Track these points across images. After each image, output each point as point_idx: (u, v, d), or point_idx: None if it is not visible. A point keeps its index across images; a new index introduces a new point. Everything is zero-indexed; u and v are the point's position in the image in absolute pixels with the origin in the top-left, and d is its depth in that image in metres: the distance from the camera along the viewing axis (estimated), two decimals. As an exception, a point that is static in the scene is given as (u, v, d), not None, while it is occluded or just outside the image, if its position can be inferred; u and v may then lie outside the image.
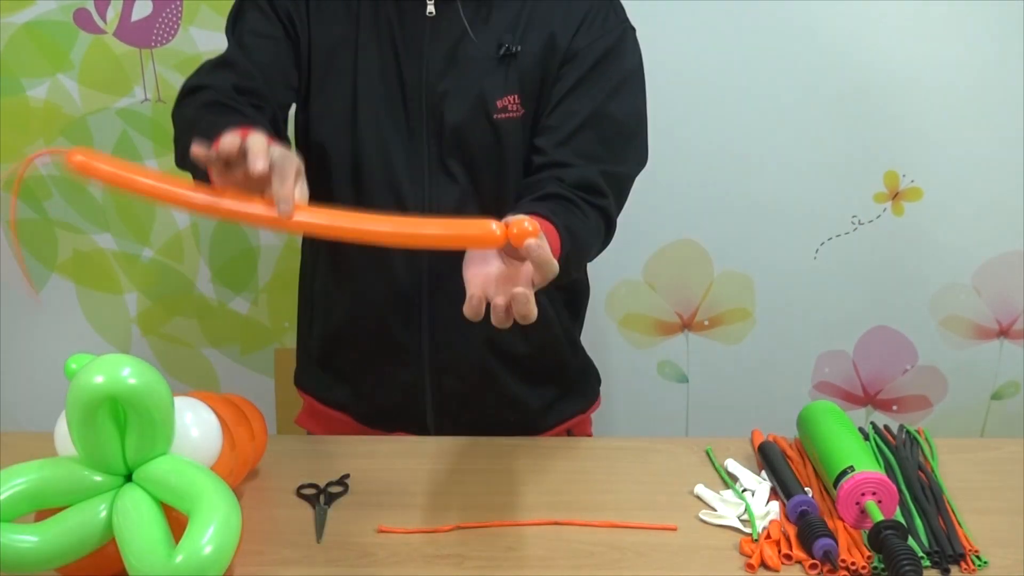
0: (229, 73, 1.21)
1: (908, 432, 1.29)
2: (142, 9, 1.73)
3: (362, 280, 1.31)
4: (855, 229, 1.87)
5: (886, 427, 1.30)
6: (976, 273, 1.90)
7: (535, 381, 1.38)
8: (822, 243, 1.88)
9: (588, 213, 1.19)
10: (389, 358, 1.34)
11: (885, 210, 1.85)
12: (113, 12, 1.73)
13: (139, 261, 1.89)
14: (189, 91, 1.24)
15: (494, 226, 0.90)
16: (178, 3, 1.72)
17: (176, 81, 1.76)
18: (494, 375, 1.35)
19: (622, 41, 1.25)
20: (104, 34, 1.74)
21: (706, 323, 1.95)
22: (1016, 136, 1.79)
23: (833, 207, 1.86)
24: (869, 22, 1.72)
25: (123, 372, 0.93)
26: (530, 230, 0.90)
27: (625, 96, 1.25)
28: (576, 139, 1.22)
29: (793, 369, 1.98)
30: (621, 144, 1.25)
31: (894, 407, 2.01)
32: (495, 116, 1.24)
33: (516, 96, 1.24)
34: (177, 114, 1.25)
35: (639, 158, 1.28)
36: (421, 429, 1.37)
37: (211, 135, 0.95)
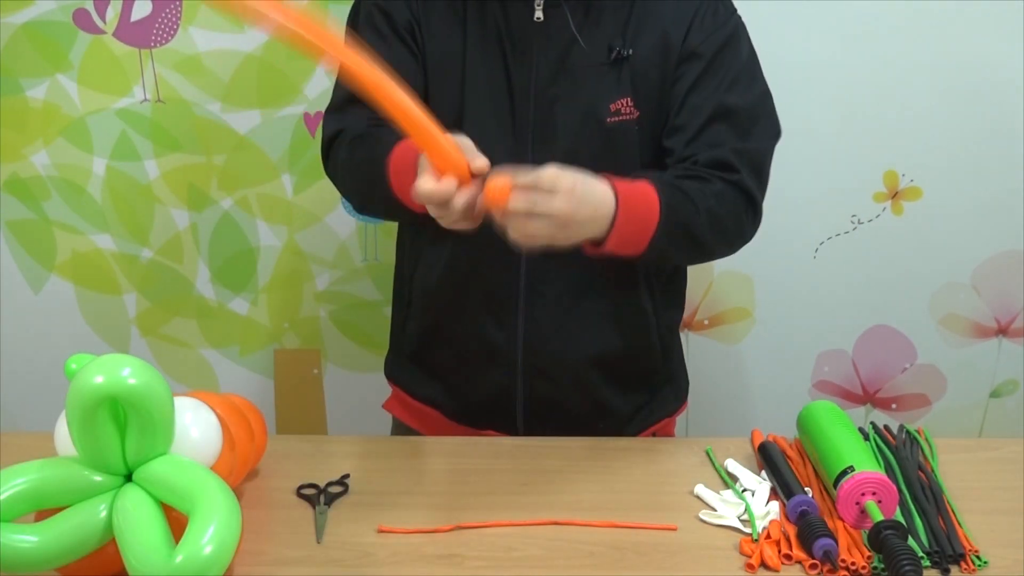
0: (359, 109, 1.17)
1: (908, 432, 1.29)
2: (142, 9, 1.72)
3: (459, 280, 1.31)
4: (855, 228, 1.87)
5: (886, 427, 1.30)
6: (975, 272, 1.90)
7: (627, 386, 1.37)
8: (822, 243, 1.88)
9: (714, 183, 1.20)
10: (482, 358, 1.33)
11: (884, 209, 1.85)
12: (113, 12, 1.72)
13: (138, 262, 1.89)
14: (329, 143, 1.27)
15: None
16: (178, 3, 1.72)
17: (176, 81, 1.76)
18: (586, 380, 1.34)
19: (735, 33, 1.26)
20: (103, 34, 1.73)
21: (706, 323, 1.95)
22: (1016, 136, 1.79)
23: (833, 207, 1.86)
24: (867, 22, 1.72)
25: (123, 372, 0.93)
26: (500, 187, 1.00)
27: (745, 85, 1.26)
28: (704, 134, 1.23)
29: (793, 368, 1.98)
30: (749, 126, 1.25)
31: (893, 405, 2.01)
32: (608, 120, 1.23)
33: (629, 99, 1.23)
34: (332, 167, 1.29)
35: (772, 132, 1.29)
36: (511, 430, 1.36)
37: (379, 160, 1.14)
